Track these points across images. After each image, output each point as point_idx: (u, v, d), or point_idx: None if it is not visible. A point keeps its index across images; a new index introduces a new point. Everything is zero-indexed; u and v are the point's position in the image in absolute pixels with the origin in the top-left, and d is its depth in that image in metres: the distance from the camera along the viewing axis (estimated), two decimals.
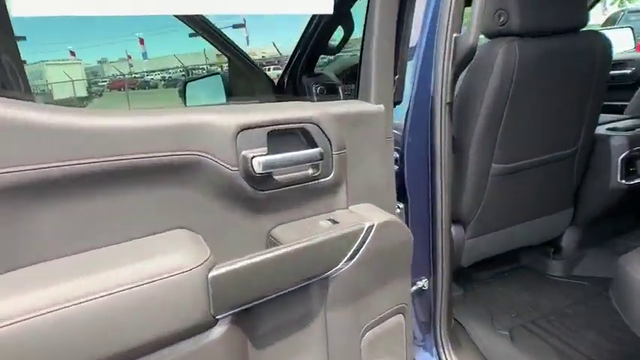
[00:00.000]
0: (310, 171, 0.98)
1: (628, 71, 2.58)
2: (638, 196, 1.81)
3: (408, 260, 1.12)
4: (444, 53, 1.23)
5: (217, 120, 0.84)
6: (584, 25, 1.48)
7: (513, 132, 1.48)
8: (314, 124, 0.96)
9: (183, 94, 2.33)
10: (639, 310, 1.04)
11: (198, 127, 0.80)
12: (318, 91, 2.35)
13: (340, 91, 2.34)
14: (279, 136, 0.92)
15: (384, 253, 1.03)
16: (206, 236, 0.84)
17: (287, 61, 2.25)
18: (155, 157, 0.76)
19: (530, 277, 1.94)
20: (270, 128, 0.89)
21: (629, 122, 1.84)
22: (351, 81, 2.35)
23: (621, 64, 2.60)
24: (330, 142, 0.98)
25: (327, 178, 0.99)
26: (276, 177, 0.91)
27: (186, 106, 2.27)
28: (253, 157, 0.85)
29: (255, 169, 0.85)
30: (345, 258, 0.96)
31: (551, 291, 1.82)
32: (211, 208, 0.86)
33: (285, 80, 2.35)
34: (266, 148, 0.88)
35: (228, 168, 0.83)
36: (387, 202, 1.15)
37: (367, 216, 1.03)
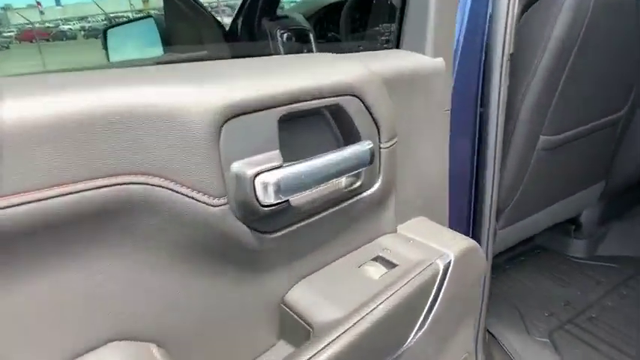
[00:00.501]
0: (346, 182, 0.55)
1: None
2: None
3: (478, 297, 0.74)
4: None
5: (171, 99, 0.38)
6: None
7: (571, 95, 1.12)
8: (355, 96, 0.52)
9: (105, 45, 1.73)
10: None
11: (127, 117, 0.37)
12: (284, 40, 1.82)
13: (312, 40, 1.83)
14: (293, 124, 0.49)
15: (460, 298, 0.64)
16: (168, 344, 0.41)
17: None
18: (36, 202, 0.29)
19: (549, 260, 1.66)
20: (284, 110, 0.45)
21: None
22: (328, 27, 1.86)
23: None
24: (378, 127, 0.55)
25: (372, 190, 0.57)
26: (294, 203, 0.48)
27: (109, 61, 1.68)
28: (257, 173, 0.41)
29: (261, 198, 0.41)
30: (417, 326, 0.56)
31: (579, 277, 1.55)
32: (170, 285, 0.42)
33: (239, 24, 1.83)
34: (278, 152, 0.44)
35: (203, 202, 0.41)
36: (441, 208, 0.76)
37: (434, 244, 0.63)
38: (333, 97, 0.51)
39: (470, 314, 0.74)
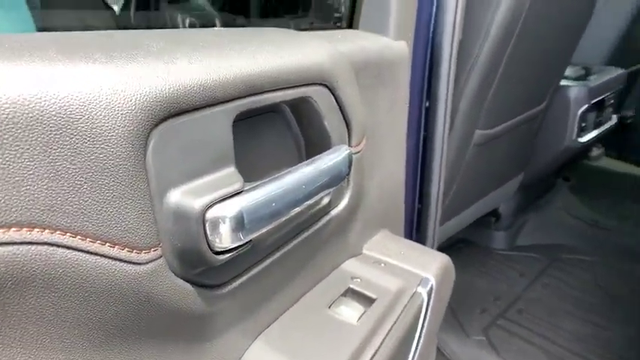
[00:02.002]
0: (315, 200, 0.41)
1: None
2: (579, 152, 1.64)
3: (443, 312, 0.65)
4: None
5: (60, 91, 0.22)
6: None
7: (506, 87, 1.08)
8: (324, 85, 0.38)
9: None
10: None
11: None
12: (187, 26, 1.61)
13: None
14: (245, 125, 0.33)
15: (439, 321, 0.54)
16: None
17: None
18: None
19: (474, 253, 1.67)
20: (241, 105, 0.28)
21: (571, 70, 1.62)
22: (236, 12, 1.68)
23: None
24: (348, 126, 0.41)
25: (341, 207, 0.44)
26: (255, 239, 0.32)
27: None
28: (208, 206, 0.24)
29: (215, 242, 0.24)
30: None
31: (504, 270, 1.58)
32: None
33: (132, 7, 1.58)
34: (234, 169, 0.28)
35: (124, 259, 0.26)
36: (397, 215, 0.65)
37: (409, 266, 0.51)
38: (299, 86, 0.37)
39: (434, 333, 0.65)
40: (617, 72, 1.63)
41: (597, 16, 1.78)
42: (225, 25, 1.40)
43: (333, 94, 0.40)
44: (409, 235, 0.95)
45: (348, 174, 0.40)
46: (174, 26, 1.58)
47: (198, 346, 0.33)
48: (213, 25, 1.57)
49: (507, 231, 1.69)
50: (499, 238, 1.69)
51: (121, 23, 1.59)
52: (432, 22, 0.79)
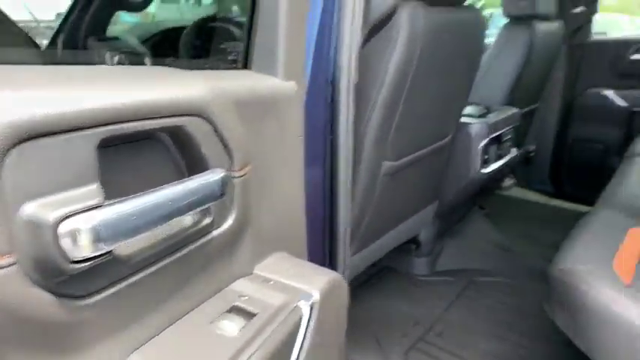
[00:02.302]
0: (193, 219, 0.45)
1: None
2: (484, 182, 1.80)
3: (343, 331, 0.70)
4: (352, 15, 0.83)
5: None
6: None
7: (408, 121, 1.20)
8: (200, 116, 0.43)
9: None
10: (601, 336, 0.87)
11: None
12: (115, 63, 1.63)
13: (148, 64, 1.67)
14: (122, 150, 0.38)
15: (328, 336, 0.59)
16: None
17: (65, 15, 1.50)
18: None
19: (396, 280, 1.75)
20: (105, 131, 0.33)
21: (475, 108, 1.80)
22: (168, 52, 1.72)
23: None
24: (229, 153, 0.47)
25: (225, 227, 0.48)
26: (122, 252, 0.36)
27: None
28: (63, 218, 0.28)
29: (69, 251, 0.28)
30: None
31: (424, 294, 1.66)
32: None
33: (60, 44, 1.59)
34: (97, 186, 0.32)
35: None
36: (299, 240, 0.70)
37: (296, 283, 0.56)
38: (174, 117, 0.41)
39: (335, 349, 0.69)
40: (512, 111, 1.83)
41: (496, 62, 2.01)
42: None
43: (211, 124, 0.45)
44: (322, 263, 0.99)
45: (222, 195, 0.44)
46: (102, 63, 1.59)
47: (64, 356, 0.35)
48: (143, 63, 1.60)
49: (427, 257, 1.79)
50: (420, 264, 1.78)
51: (49, 60, 1.59)
52: (331, 64, 0.88)
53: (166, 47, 1.79)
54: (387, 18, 0.92)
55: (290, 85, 0.65)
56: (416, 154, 1.33)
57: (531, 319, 1.51)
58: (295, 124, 0.67)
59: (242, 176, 0.50)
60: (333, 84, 0.88)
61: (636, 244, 1.07)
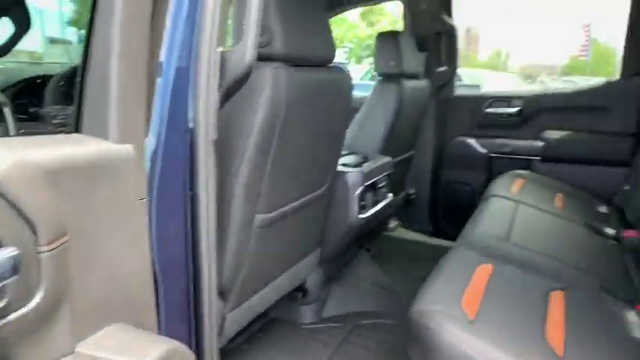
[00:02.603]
0: None
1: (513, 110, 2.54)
2: (364, 227, 1.89)
3: None
4: (208, 73, 0.86)
5: None
6: (333, 59, 1.39)
7: (280, 174, 1.23)
8: None
9: None
10: None
11: None
12: None
13: (9, 117, 1.55)
14: None
15: None
16: None
17: None
18: None
19: (283, 331, 1.73)
20: None
21: (353, 158, 1.91)
22: (31, 102, 1.60)
23: (505, 100, 2.58)
24: (33, 227, 0.45)
25: (28, 308, 0.45)
26: None
27: None
28: None
29: None
30: None
31: (309, 343, 1.66)
32: None
33: None
34: None
35: None
36: (145, 307, 0.68)
37: (125, 357, 0.54)
38: None
39: None
40: (386, 159, 1.98)
41: (372, 114, 2.17)
42: None
43: (5, 199, 0.43)
44: (185, 326, 0.95)
45: (16, 273, 0.41)
46: None
47: None
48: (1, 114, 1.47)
49: (314, 304, 1.81)
50: (306, 312, 1.79)
51: None
52: (188, 123, 0.89)
53: (31, 97, 1.67)
54: (245, 77, 0.96)
55: (125, 149, 0.64)
56: (291, 205, 1.37)
57: None
58: (133, 187, 0.66)
59: (53, 249, 0.48)
60: (192, 142, 0.88)
61: (482, 280, 1.19)
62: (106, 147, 0.61)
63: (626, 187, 2.14)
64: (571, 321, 1.06)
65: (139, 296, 0.69)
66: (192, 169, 0.89)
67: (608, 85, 2.44)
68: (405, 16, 2.69)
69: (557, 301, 1.15)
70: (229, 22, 1.09)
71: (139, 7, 0.68)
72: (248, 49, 0.87)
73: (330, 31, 1.37)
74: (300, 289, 1.80)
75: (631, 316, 1.16)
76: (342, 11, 2.90)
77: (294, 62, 1.19)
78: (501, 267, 1.28)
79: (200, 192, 0.89)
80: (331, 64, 1.40)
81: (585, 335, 1.03)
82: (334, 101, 1.41)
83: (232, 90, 0.96)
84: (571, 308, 1.12)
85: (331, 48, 1.37)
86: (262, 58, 1.16)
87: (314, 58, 1.30)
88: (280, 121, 1.13)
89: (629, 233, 1.72)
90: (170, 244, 0.88)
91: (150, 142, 0.82)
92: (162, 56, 0.84)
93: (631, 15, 2.29)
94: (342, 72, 1.44)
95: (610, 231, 1.78)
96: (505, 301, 1.13)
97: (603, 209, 2.09)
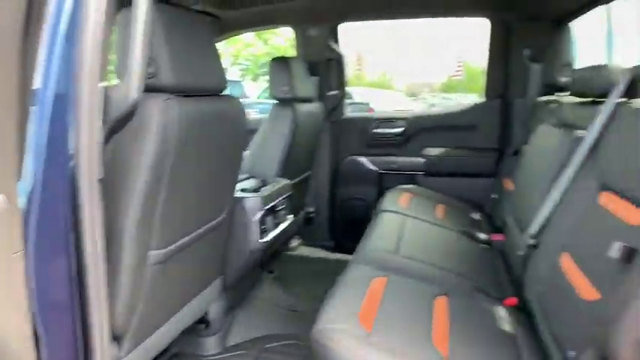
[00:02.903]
0: None
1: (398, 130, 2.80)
2: (266, 251, 1.91)
3: None
4: (89, 112, 0.83)
5: None
6: (225, 88, 1.40)
7: (174, 208, 1.21)
8: None
9: None
10: None
11: None
12: None
13: None
14: None
15: None
16: None
17: None
18: None
19: None
20: None
21: (252, 182, 1.93)
22: None
23: (390, 121, 2.83)
24: None
25: None
26: None
27: None
28: None
29: None
30: None
31: None
32: None
33: None
34: None
35: None
36: (23, 356, 0.63)
37: None
38: None
39: None
40: (284, 182, 2.03)
41: (269, 138, 2.21)
42: None
43: None
44: None
45: None
46: None
47: None
48: None
49: (218, 334, 1.77)
50: (210, 344, 1.75)
51: None
52: (69, 163, 0.84)
53: None
54: (131, 113, 0.94)
55: None
56: (188, 238, 1.34)
57: None
58: (6, 242, 0.62)
59: None
60: (74, 182, 0.84)
61: (377, 293, 1.28)
62: None
63: (493, 196, 2.45)
64: (453, 323, 1.19)
65: (17, 352, 0.63)
66: (75, 209, 0.85)
67: (475, 107, 2.78)
68: (297, 42, 2.80)
69: (441, 305, 1.28)
70: (113, 56, 1.06)
71: (3, 29, 0.63)
72: (133, 86, 0.85)
73: (219, 59, 1.39)
74: (203, 321, 1.75)
75: (500, 311, 1.34)
76: (233, 35, 2.93)
77: (185, 92, 1.19)
78: (393, 278, 1.39)
79: (85, 234, 0.85)
80: (223, 93, 1.42)
81: (465, 334, 1.16)
82: (228, 128, 1.43)
83: (118, 126, 0.94)
84: (453, 311, 1.25)
85: (221, 76, 1.39)
86: (150, 89, 1.14)
87: (204, 88, 1.30)
88: (172, 153, 1.12)
89: (497, 237, 1.98)
90: (53, 293, 0.83)
91: (24, 182, 0.77)
92: (38, 82, 0.79)
93: (490, 46, 2.65)
94: (233, 100, 1.46)
95: (482, 236, 2.01)
96: (397, 311, 1.23)
97: (477, 216, 2.36)
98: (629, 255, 0.83)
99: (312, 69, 2.61)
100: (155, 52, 1.10)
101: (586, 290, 1.00)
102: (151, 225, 1.15)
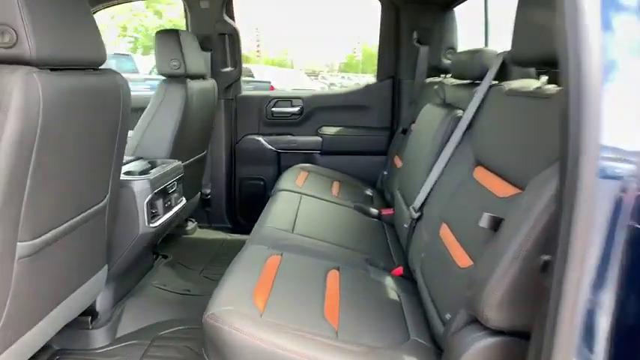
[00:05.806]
0: None
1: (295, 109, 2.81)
2: (156, 236, 1.82)
3: None
4: None
5: None
6: (104, 61, 1.27)
7: (45, 193, 1.08)
8: None
9: None
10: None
11: None
12: None
13: None
14: None
15: None
16: None
17: None
18: None
19: None
20: None
21: (139, 164, 1.81)
22: None
23: (287, 100, 2.81)
24: None
25: None
26: None
27: None
28: None
29: None
30: None
31: None
32: None
33: None
34: None
35: None
36: None
37: None
38: None
39: None
40: (175, 164, 1.93)
41: (157, 116, 2.07)
42: None
43: None
44: None
45: None
46: None
47: None
48: None
49: (106, 326, 1.66)
50: (98, 336, 1.64)
51: None
52: None
53: None
54: None
55: None
56: (63, 227, 1.22)
57: None
58: None
59: None
60: None
61: (271, 272, 1.29)
62: None
63: (384, 172, 2.59)
64: (344, 295, 1.25)
65: None
66: None
67: (368, 87, 2.88)
68: (186, 14, 2.65)
69: (333, 278, 1.33)
70: None
71: None
72: None
73: (96, 28, 1.25)
74: (89, 313, 1.63)
75: (387, 280, 1.43)
76: (108, 6, 2.67)
77: (51, 66, 1.06)
78: (287, 256, 1.40)
79: None
80: (103, 66, 1.29)
81: (355, 305, 1.22)
82: (106, 106, 1.31)
83: None
84: (344, 284, 1.31)
85: (99, 48, 1.26)
86: (7, 61, 1.00)
87: (77, 60, 1.17)
88: (37, 133, 0.99)
89: (387, 211, 2.10)
90: None
91: None
92: None
93: (381, 28, 2.75)
94: (114, 74, 1.33)
95: (374, 211, 2.13)
96: (290, 287, 1.25)
97: (369, 192, 2.48)
98: (496, 224, 0.93)
99: (204, 44, 2.50)
100: (11, 17, 0.96)
101: (461, 258, 1.10)
102: (17, 213, 1.02)
